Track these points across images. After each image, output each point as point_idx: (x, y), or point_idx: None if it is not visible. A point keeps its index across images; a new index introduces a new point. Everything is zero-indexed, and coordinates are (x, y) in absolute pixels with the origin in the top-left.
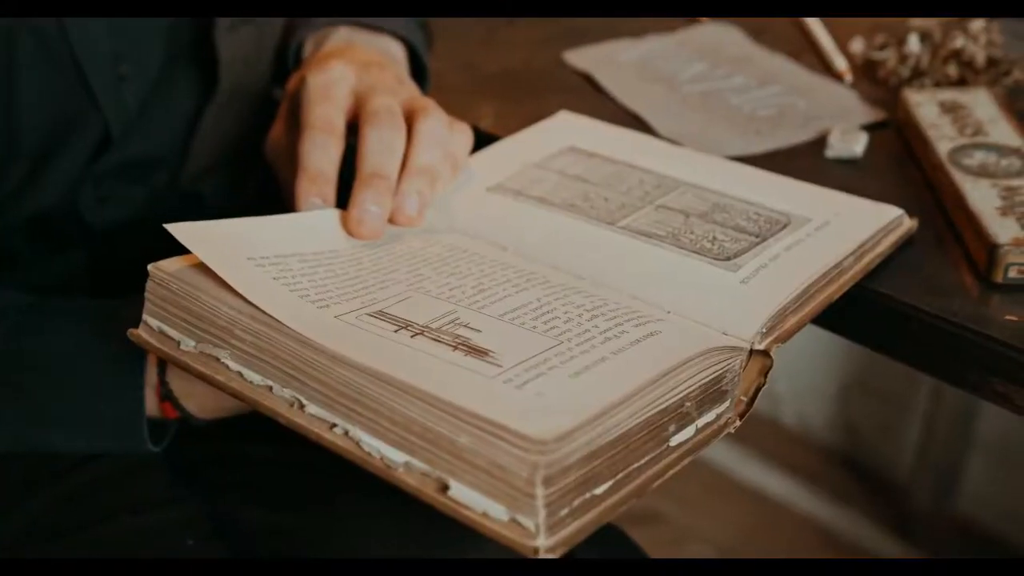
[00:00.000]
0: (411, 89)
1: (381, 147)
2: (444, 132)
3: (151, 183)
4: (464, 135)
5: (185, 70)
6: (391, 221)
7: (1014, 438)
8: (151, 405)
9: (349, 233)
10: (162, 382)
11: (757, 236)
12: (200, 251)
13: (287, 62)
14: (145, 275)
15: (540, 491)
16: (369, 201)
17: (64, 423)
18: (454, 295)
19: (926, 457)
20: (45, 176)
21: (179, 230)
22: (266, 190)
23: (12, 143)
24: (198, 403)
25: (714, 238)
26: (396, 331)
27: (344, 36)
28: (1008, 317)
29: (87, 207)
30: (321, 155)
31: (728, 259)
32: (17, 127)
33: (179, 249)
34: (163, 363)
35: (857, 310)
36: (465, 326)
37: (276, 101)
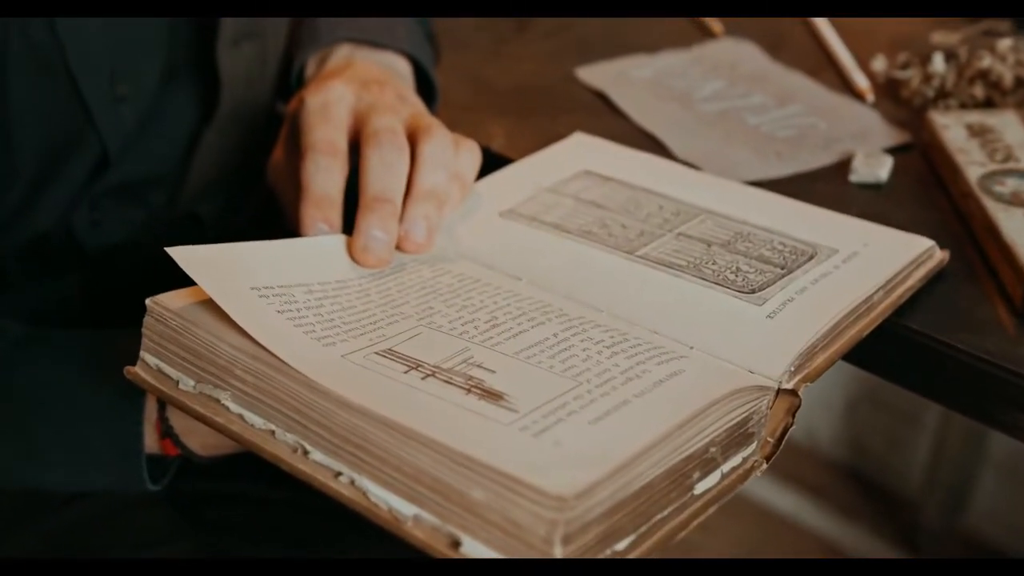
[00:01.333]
0: (414, 106)
1: (383, 169)
2: (449, 152)
3: (147, 204)
4: (471, 154)
5: (184, 89)
6: (398, 248)
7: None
8: (150, 442)
9: (355, 261)
10: (162, 418)
11: (782, 268)
12: (200, 277)
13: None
14: (141, 300)
15: (559, 550)
16: (374, 227)
17: (58, 460)
18: (467, 330)
19: (936, 473)
20: (41, 200)
21: (179, 254)
22: (266, 211)
23: (9, 168)
24: (200, 440)
25: (738, 269)
26: (406, 372)
27: (345, 54)
28: None
29: (81, 229)
30: (325, 178)
31: (753, 292)
32: (14, 152)
33: (177, 274)
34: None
35: (886, 346)
36: (479, 366)
37: (279, 119)
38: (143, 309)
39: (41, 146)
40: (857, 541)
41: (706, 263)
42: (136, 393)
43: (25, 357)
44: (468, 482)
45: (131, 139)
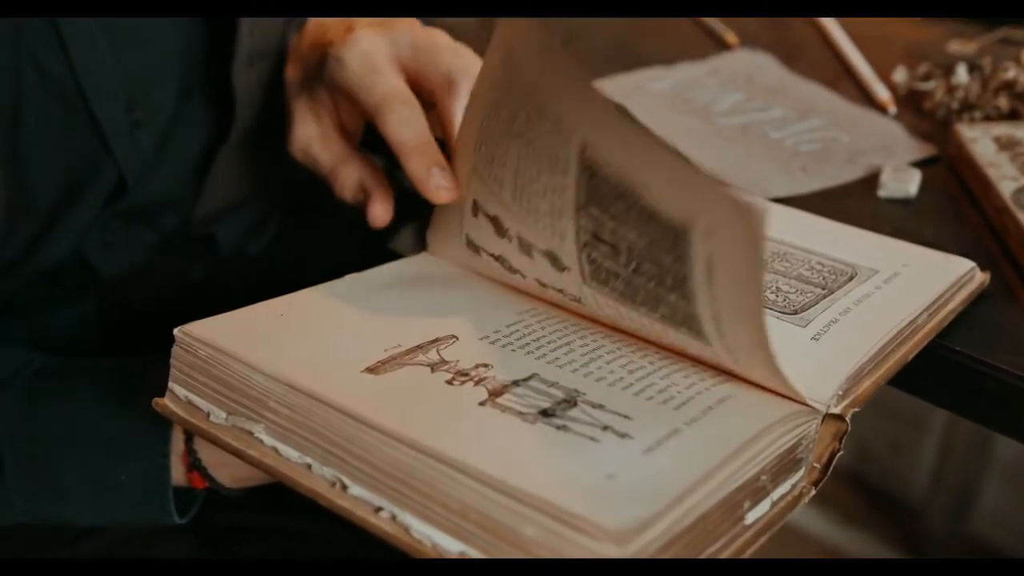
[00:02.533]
0: (439, 34)
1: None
2: None
3: (159, 227)
4: None
5: (197, 110)
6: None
7: None
8: (177, 474)
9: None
10: (189, 451)
11: (823, 288)
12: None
13: None
14: (158, 324)
15: None
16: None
17: (82, 494)
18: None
19: (941, 478)
20: (57, 229)
21: (199, 329)
22: (285, 232)
23: (26, 199)
24: (230, 473)
25: (777, 289)
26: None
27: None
28: None
29: (94, 253)
30: (411, 126)
31: (795, 312)
32: (30, 182)
33: (192, 298)
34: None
35: (929, 369)
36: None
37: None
38: (160, 333)
39: (57, 176)
40: (861, 547)
41: None
42: (162, 425)
43: (47, 389)
44: (519, 519)
45: (148, 164)
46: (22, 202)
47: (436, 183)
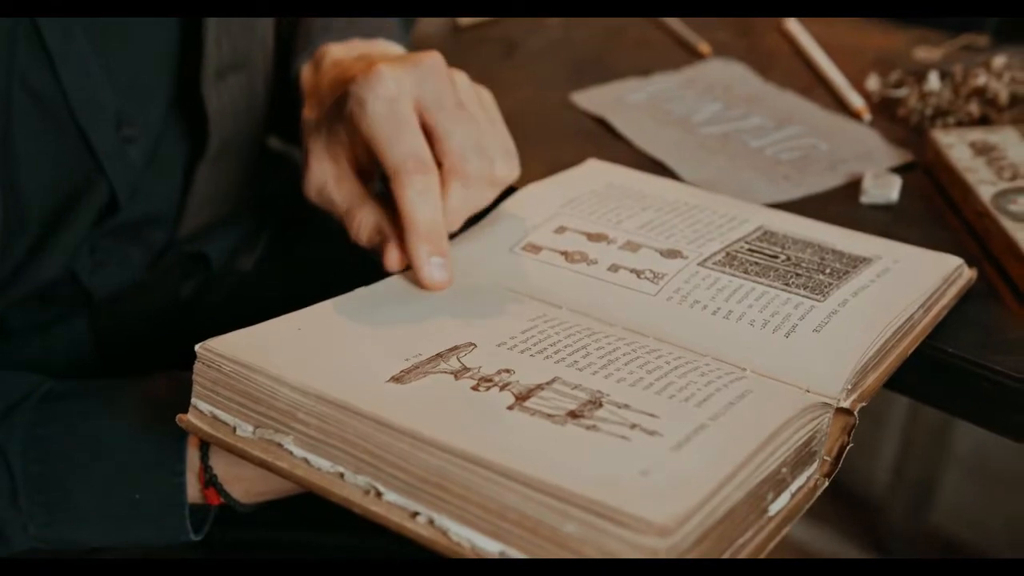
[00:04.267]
0: (462, 78)
1: (463, 209)
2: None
3: (146, 243)
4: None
5: (180, 125)
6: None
7: (988, 452)
8: (193, 492)
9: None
10: (205, 467)
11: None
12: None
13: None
14: (152, 341)
15: None
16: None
17: (97, 515)
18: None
19: (903, 473)
20: (48, 248)
21: (220, 345)
22: (276, 247)
23: (17, 220)
24: (245, 488)
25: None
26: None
27: (343, 48)
28: None
29: (85, 272)
30: (426, 203)
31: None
32: (22, 204)
33: (185, 316)
34: (206, 446)
35: (924, 370)
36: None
37: (272, 151)
38: (154, 351)
39: (49, 195)
40: (825, 543)
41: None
42: (177, 442)
43: (58, 412)
44: (559, 516)
45: (139, 180)
46: (14, 221)
47: (430, 274)
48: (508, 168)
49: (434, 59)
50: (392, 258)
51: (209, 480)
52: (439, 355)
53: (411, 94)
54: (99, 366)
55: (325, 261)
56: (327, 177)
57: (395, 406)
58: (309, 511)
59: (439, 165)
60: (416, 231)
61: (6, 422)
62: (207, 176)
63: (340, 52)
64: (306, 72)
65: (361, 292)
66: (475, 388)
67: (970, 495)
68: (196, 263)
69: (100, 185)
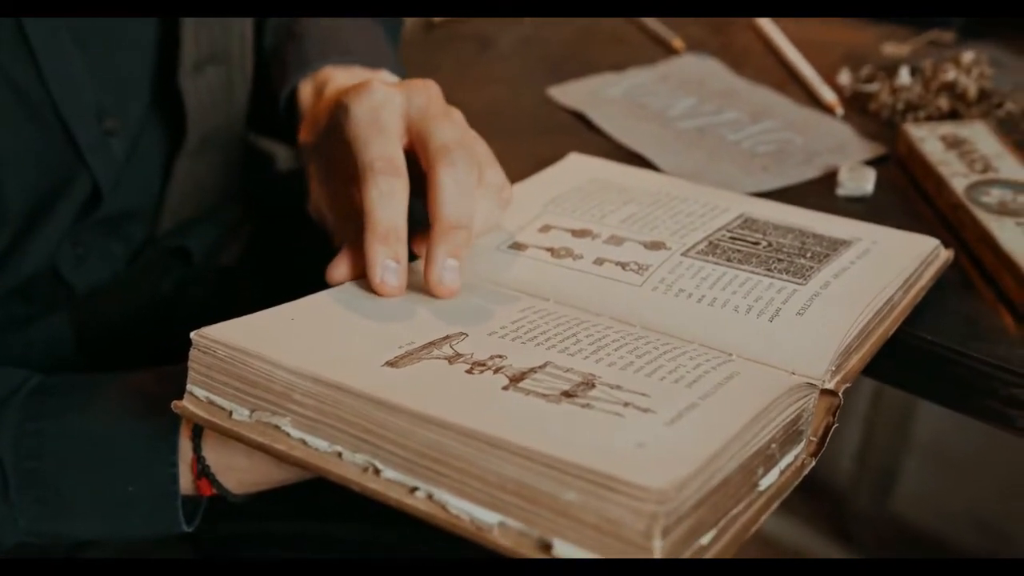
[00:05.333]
0: (459, 115)
1: (459, 192)
2: (498, 206)
3: (127, 238)
4: (508, 205)
5: (160, 117)
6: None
7: (947, 440)
8: (185, 483)
9: (429, 292)
10: (198, 457)
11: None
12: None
13: (271, 106)
14: (133, 337)
15: (658, 543)
16: (451, 256)
17: (89, 509)
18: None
19: (866, 461)
20: (31, 242)
21: (216, 333)
22: (258, 242)
23: None
24: (237, 478)
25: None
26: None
27: (346, 76)
28: None
29: (67, 266)
30: (389, 205)
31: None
32: (4, 197)
33: (167, 310)
34: (198, 436)
35: (899, 355)
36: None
37: (254, 148)
38: (137, 345)
39: (31, 190)
40: (790, 531)
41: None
42: (169, 434)
43: (48, 406)
44: (559, 485)
45: (121, 173)
46: None
47: (381, 276)
48: (500, 177)
49: (427, 82)
50: (335, 267)
51: (202, 471)
52: (431, 343)
53: (399, 106)
54: (80, 361)
55: (308, 256)
56: (323, 196)
57: (391, 386)
58: (301, 502)
59: (427, 167)
60: (373, 231)
61: None
62: (187, 169)
63: (344, 78)
64: (306, 93)
65: (350, 286)
66: (469, 372)
67: (931, 482)
68: (177, 258)
69: (82, 178)
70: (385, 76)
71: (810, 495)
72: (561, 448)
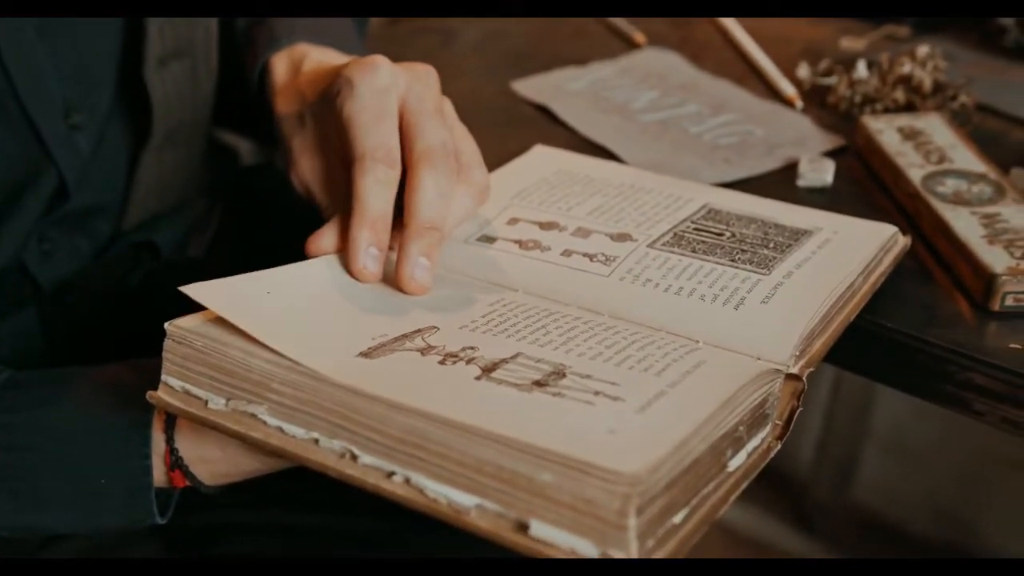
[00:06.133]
0: (450, 107)
1: (438, 196)
2: (479, 198)
3: (96, 233)
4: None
5: (125, 112)
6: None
7: (905, 429)
8: (158, 475)
9: (400, 288)
10: (171, 449)
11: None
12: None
13: (239, 91)
14: (101, 332)
15: (632, 522)
16: (423, 254)
17: (63, 502)
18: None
19: (826, 450)
20: None
21: (197, 292)
22: (224, 236)
23: None
24: (210, 469)
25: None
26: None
27: (320, 56)
28: (1012, 345)
29: (32, 261)
30: (381, 193)
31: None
32: None
33: (135, 305)
34: (171, 428)
35: (863, 345)
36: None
37: (217, 143)
38: (105, 340)
39: None
40: (751, 520)
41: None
42: (142, 426)
43: (20, 400)
44: (535, 468)
45: (88, 168)
46: None
47: (363, 264)
48: (484, 177)
49: (429, 69)
50: (319, 238)
51: (175, 462)
52: (404, 335)
53: (399, 91)
54: (49, 356)
55: (275, 247)
56: (313, 170)
57: (367, 377)
58: (274, 492)
59: (409, 166)
60: (363, 217)
61: None
62: (152, 164)
63: (320, 56)
64: (280, 67)
65: (326, 262)
66: (442, 363)
67: (890, 471)
68: (144, 252)
69: (49, 174)
70: None
71: (771, 485)
72: (535, 436)
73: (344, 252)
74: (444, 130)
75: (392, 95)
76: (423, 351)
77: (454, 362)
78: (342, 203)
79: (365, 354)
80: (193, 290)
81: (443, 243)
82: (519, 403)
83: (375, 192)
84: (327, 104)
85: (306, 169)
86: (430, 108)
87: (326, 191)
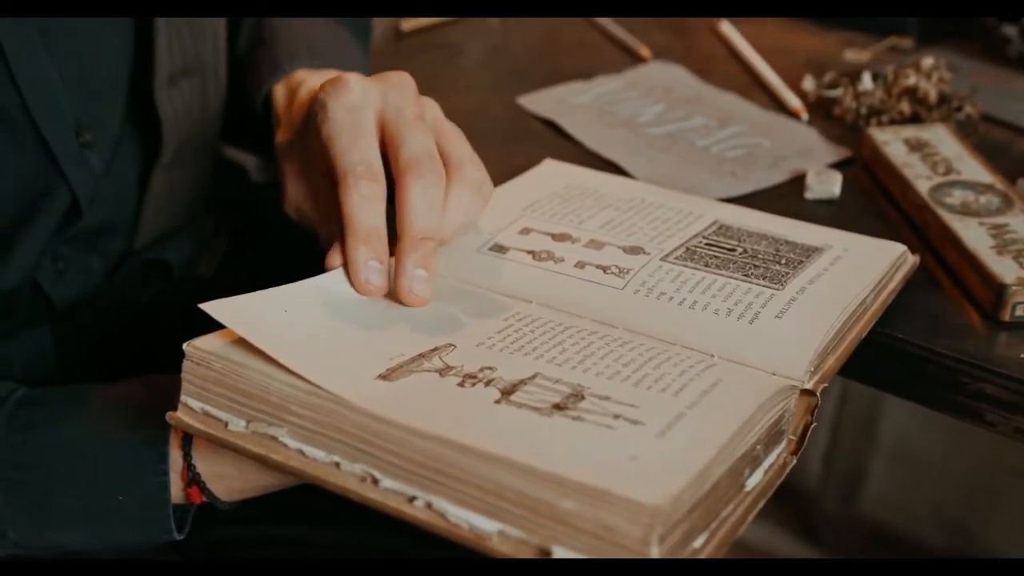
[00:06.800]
0: (432, 108)
1: (426, 205)
2: (477, 197)
3: (108, 251)
4: (487, 203)
5: (135, 130)
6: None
7: (911, 442)
8: (176, 491)
9: (399, 301)
10: (188, 465)
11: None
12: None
13: (245, 114)
14: (114, 350)
15: (655, 550)
16: (419, 266)
17: (80, 519)
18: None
19: (832, 463)
20: (10, 257)
21: (216, 310)
22: (235, 253)
23: None
24: (226, 485)
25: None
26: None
27: (321, 77)
28: (1023, 356)
29: (46, 280)
30: (369, 208)
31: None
32: None
33: (147, 323)
34: (188, 445)
35: (870, 354)
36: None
37: (225, 159)
38: (118, 358)
39: (10, 203)
40: (760, 534)
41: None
42: (159, 443)
43: (36, 417)
44: (556, 495)
45: (99, 186)
46: None
47: (367, 277)
48: (479, 173)
49: (403, 77)
50: (333, 257)
51: (192, 478)
52: (421, 355)
53: (375, 105)
54: (62, 375)
55: (285, 264)
56: (302, 196)
57: (386, 402)
58: (290, 507)
59: (396, 177)
60: (355, 234)
61: None
62: (162, 181)
63: (316, 81)
64: (279, 96)
65: (340, 276)
66: (461, 385)
67: (897, 483)
68: (156, 270)
69: (61, 192)
70: None
71: (779, 498)
72: (557, 464)
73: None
74: (426, 135)
75: (367, 111)
76: (441, 372)
77: (473, 383)
78: (337, 226)
79: (384, 376)
80: (212, 308)
81: (437, 252)
82: (539, 428)
83: (362, 208)
84: (309, 130)
85: (297, 195)
86: (409, 117)
87: (319, 215)
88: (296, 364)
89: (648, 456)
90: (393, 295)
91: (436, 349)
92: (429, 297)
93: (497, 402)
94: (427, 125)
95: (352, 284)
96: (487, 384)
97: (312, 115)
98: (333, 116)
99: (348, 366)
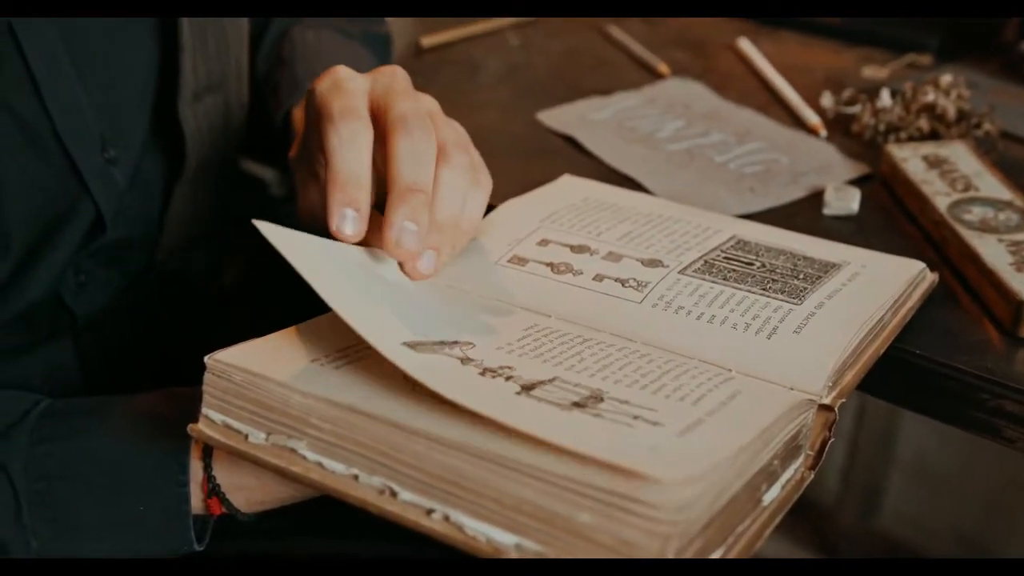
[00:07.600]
0: (429, 103)
1: (415, 158)
2: (470, 178)
3: (130, 265)
4: (486, 190)
5: (158, 145)
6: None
7: (929, 457)
8: (196, 502)
9: (388, 254)
10: (208, 476)
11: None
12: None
13: (265, 131)
14: (136, 362)
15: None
16: (407, 218)
17: (101, 530)
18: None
19: (850, 479)
20: (34, 270)
21: (267, 229)
22: (255, 266)
23: (2, 243)
24: (246, 496)
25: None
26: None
27: None
28: None
29: (68, 293)
30: (349, 150)
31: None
32: (7, 226)
33: (169, 335)
34: (209, 456)
35: (888, 369)
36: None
37: (245, 174)
38: (140, 370)
39: (34, 218)
40: (775, 547)
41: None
42: (180, 454)
43: (59, 429)
44: (574, 507)
45: (123, 201)
46: None
47: (339, 224)
48: (469, 157)
49: (394, 68)
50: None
51: (212, 489)
52: (443, 342)
53: (363, 86)
54: (83, 387)
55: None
56: (313, 203)
57: (417, 367)
58: (309, 519)
59: (383, 137)
60: (334, 179)
61: (6, 440)
62: (185, 196)
63: None
64: (298, 117)
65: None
66: (481, 375)
67: (914, 498)
68: (177, 283)
69: (85, 207)
70: None
71: (796, 513)
72: (580, 444)
73: (377, 246)
74: (414, 101)
75: (352, 82)
76: (463, 360)
77: (493, 376)
78: None
79: (411, 345)
80: (264, 227)
81: (427, 205)
82: (560, 419)
83: (341, 149)
84: (309, 127)
85: (308, 200)
86: (397, 88)
87: (323, 216)
88: (334, 301)
89: (668, 447)
90: (382, 245)
91: (457, 342)
92: (417, 251)
93: (518, 394)
94: (416, 97)
95: (327, 227)
96: (507, 379)
97: (309, 110)
98: (319, 93)
99: (379, 322)
